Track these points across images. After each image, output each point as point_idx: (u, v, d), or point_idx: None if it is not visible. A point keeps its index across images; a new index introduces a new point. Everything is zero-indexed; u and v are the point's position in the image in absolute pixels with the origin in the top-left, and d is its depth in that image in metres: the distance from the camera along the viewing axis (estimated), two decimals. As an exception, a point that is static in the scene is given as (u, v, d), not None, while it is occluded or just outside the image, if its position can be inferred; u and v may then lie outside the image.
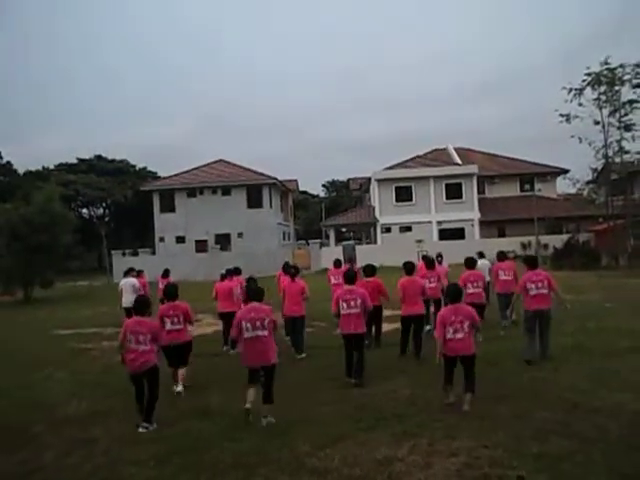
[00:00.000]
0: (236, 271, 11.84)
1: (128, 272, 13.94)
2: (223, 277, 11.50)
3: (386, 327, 12.57)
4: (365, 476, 4.80)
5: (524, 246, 34.34)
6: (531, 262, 8.99)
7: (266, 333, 6.32)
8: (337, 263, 12.79)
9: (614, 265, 26.83)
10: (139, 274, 14.13)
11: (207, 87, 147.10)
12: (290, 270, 10.65)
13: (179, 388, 7.66)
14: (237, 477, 4.90)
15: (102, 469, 5.30)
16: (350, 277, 8.16)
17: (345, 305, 7.77)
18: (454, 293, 6.86)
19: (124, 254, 38.49)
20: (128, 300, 11.82)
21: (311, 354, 10.07)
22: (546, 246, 32.86)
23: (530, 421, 5.93)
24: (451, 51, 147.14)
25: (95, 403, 7.58)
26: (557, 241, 31.39)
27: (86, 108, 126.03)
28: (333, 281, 12.24)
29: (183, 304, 7.95)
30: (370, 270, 10.01)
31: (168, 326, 7.74)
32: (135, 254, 39.15)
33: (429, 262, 11.29)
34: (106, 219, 57.23)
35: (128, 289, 12.90)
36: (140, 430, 6.25)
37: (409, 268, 9.65)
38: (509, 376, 7.74)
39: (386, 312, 13.78)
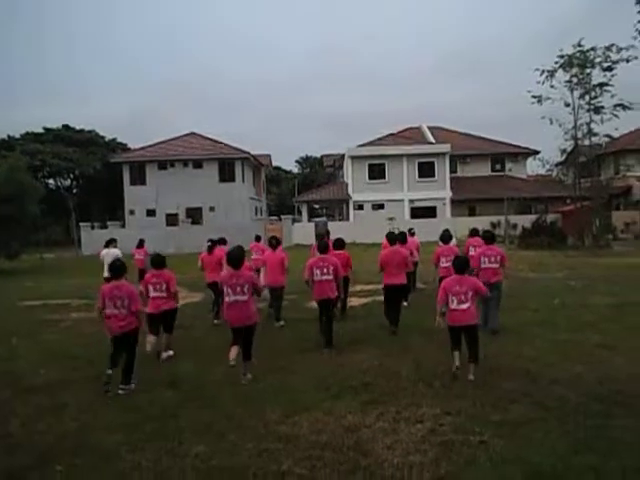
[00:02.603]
0: (221, 241, 11.81)
1: (110, 243, 14.01)
2: (211, 248, 10.96)
3: (356, 301, 12.75)
4: (332, 442, 4.89)
5: (494, 225, 34.82)
6: (488, 237, 9.43)
7: (246, 298, 6.70)
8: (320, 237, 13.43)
9: (580, 245, 27.49)
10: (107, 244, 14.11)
11: (180, 58, 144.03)
12: (271, 241, 10.93)
13: (166, 354, 8.05)
14: (206, 443, 4.95)
15: (71, 435, 5.29)
16: (324, 247, 8.70)
17: (319, 272, 8.33)
18: (460, 264, 6.93)
19: (93, 227, 37.77)
20: None
21: (284, 325, 10.20)
22: (515, 226, 33.45)
23: (493, 391, 6.12)
24: (424, 32, 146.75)
25: (63, 372, 7.51)
26: (526, 221, 31.94)
27: (54, 79, 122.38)
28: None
29: (167, 273, 8.15)
30: (339, 243, 10.60)
31: (152, 293, 7.98)
32: (104, 227, 38.44)
33: (395, 237, 10.39)
34: (74, 191, 55.91)
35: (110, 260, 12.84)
36: (119, 392, 6.42)
37: (392, 238, 9.91)
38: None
39: (357, 287, 14.02)
